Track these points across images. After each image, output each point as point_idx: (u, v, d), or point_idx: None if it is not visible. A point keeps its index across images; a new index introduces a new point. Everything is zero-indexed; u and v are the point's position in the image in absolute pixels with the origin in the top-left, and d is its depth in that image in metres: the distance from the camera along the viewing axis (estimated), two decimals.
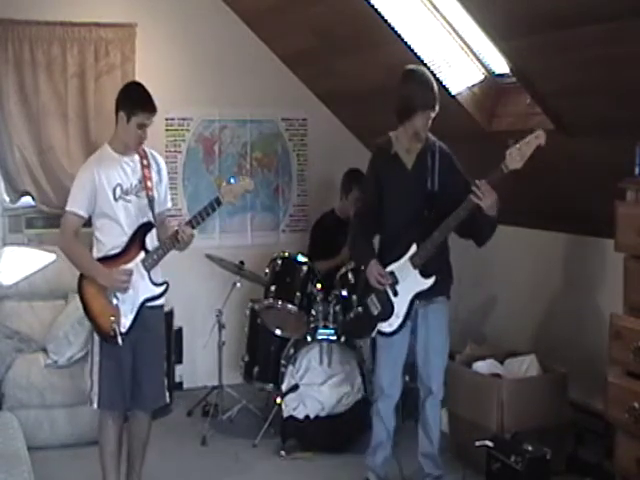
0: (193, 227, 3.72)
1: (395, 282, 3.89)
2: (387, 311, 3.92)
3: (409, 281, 3.86)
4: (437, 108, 3.80)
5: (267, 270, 5.08)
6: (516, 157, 3.56)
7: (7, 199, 5.50)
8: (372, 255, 3.95)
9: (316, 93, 6.13)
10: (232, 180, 3.78)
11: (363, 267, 4.02)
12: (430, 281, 3.84)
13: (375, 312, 3.95)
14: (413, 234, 3.83)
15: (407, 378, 4.19)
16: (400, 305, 3.89)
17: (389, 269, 3.90)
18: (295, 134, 6.22)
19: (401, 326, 3.91)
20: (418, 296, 3.88)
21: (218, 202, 3.73)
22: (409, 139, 3.89)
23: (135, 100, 3.69)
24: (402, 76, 3.86)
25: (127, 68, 5.48)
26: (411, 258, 3.84)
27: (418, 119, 3.79)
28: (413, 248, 3.83)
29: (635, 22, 3.06)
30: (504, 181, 4.84)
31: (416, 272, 3.84)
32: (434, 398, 4.03)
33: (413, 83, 3.82)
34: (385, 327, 3.94)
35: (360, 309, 4.06)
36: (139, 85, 3.84)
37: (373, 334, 4.02)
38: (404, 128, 3.87)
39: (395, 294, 3.89)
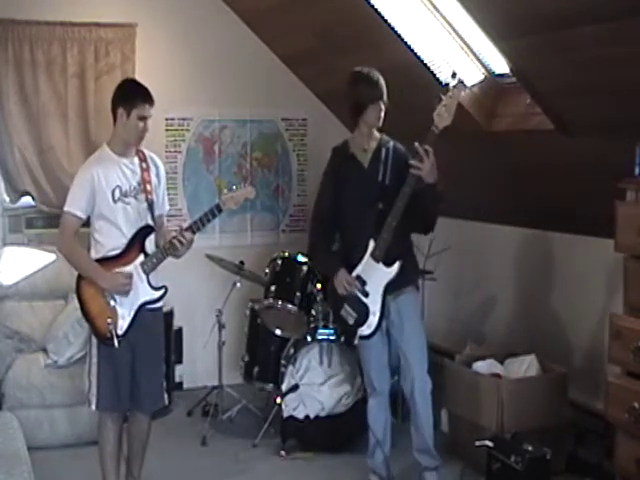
0: (194, 232, 3.73)
1: (363, 284, 3.91)
2: (363, 314, 3.92)
3: (376, 277, 3.88)
4: (386, 100, 3.87)
5: (267, 270, 5.09)
6: (444, 115, 3.63)
7: (7, 199, 5.50)
8: (338, 264, 3.97)
9: (316, 93, 6.13)
10: (234, 187, 3.84)
11: (329, 276, 4.06)
12: (395, 268, 3.85)
13: (352, 321, 3.96)
14: (371, 232, 3.86)
15: (396, 377, 4.20)
16: (374, 303, 3.91)
17: (354, 274, 3.92)
18: (295, 134, 6.21)
19: (379, 324, 3.92)
20: (388, 288, 3.89)
21: (219, 209, 3.75)
22: (365, 138, 3.98)
23: (133, 93, 3.69)
24: (348, 79, 3.94)
25: (127, 68, 5.48)
26: (372, 254, 3.86)
27: (370, 113, 3.89)
28: (371, 244, 3.86)
29: (635, 22, 3.06)
30: (506, 180, 4.83)
31: (380, 265, 3.86)
32: (421, 392, 3.99)
33: (359, 82, 3.91)
34: (364, 330, 3.94)
35: (339, 322, 4.11)
36: (134, 80, 3.89)
37: (356, 341, 4.02)
38: (359, 129, 3.98)
39: (366, 295, 3.91)
